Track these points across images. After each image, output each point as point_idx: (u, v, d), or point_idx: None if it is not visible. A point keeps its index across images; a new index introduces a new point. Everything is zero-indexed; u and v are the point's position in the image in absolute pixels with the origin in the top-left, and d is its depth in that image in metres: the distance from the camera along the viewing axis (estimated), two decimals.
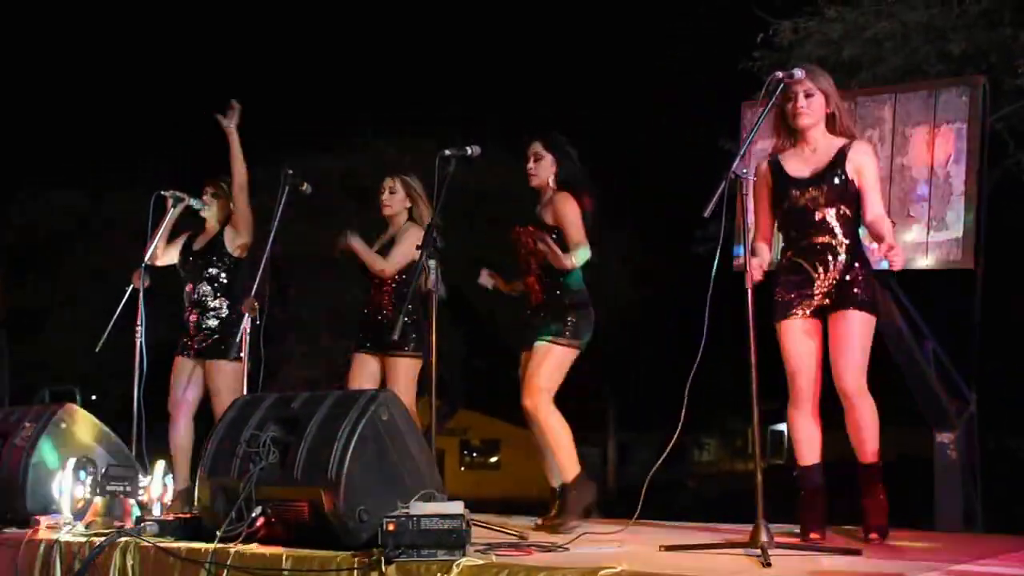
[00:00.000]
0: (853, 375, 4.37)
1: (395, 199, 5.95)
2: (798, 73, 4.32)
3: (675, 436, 4.39)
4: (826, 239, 4.45)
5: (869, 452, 4.45)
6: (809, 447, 4.55)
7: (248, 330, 5.61)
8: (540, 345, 5.08)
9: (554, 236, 5.06)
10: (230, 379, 5.95)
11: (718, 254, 4.24)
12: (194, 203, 6.24)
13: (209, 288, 6.21)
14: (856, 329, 4.38)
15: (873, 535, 4.35)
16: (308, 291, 17.10)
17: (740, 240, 5.41)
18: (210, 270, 6.23)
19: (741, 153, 4.22)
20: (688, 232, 11.24)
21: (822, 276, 4.44)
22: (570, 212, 5.12)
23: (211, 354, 6.12)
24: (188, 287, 6.29)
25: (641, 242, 22.51)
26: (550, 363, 5.06)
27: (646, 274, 22.56)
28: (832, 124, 4.55)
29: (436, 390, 4.71)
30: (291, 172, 5.67)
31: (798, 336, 4.49)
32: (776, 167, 4.60)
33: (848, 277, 4.41)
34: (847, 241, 4.44)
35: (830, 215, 4.43)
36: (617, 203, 22.96)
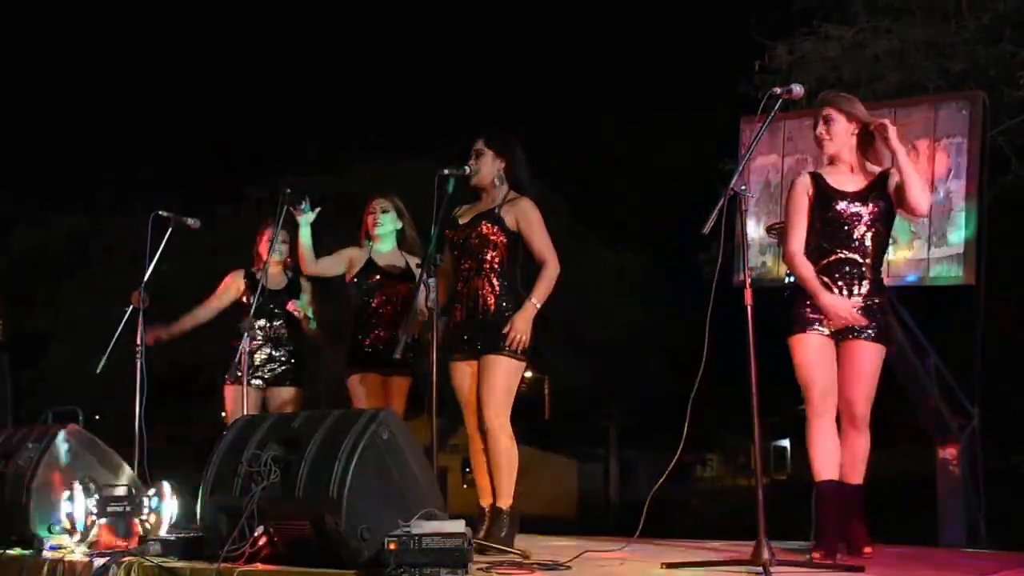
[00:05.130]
0: (865, 405, 4.43)
1: (387, 218, 5.97)
2: (796, 89, 4.29)
3: (678, 453, 4.38)
4: (855, 256, 4.48)
5: (861, 476, 4.52)
6: (824, 462, 4.45)
7: (247, 351, 5.63)
8: (495, 359, 4.85)
9: (509, 240, 4.95)
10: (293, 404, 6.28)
11: (718, 270, 4.25)
12: (191, 222, 6.27)
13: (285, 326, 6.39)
14: (871, 358, 4.44)
15: (868, 549, 4.41)
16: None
17: (740, 256, 5.40)
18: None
19: (739, 169, 4.24)
20: (688, 248, 11.26)
21: (845, 297, 4.45)
22: (538, 222, 4.98)
23: (275, 382, 6.36)
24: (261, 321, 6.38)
25: (642, 259, 22.58)
26: (510, 378, 4.88)
27: (647, 291, 22.59)
28: (866, 151, 4.56)
29: (437, 408, 4.69)
30: (289, 192, 5.71)
31: (814, 349, 4.47)
32: (818, 179, 4.60)
33: (870, 304, 4.45)
34: (873, 263, 4.48)
35: (868, 235, 4.48)
36: (618, 221, 23.08)
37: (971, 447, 6.39)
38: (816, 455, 4.47)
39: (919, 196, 4.45)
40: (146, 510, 4.90)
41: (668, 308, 21.78)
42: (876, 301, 4.48)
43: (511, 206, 5.01)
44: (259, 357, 6.32)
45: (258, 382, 6.33)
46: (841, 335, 4.47)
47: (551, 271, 4.93)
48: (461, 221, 5.11)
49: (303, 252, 5.80)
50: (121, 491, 4.92)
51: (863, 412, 4.44)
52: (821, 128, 4.58)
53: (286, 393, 6.39)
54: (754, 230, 5.93)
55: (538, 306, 4.88)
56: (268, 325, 6.34)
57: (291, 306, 6.31)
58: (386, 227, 5.97)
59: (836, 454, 4.46)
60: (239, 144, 22.86)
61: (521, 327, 4.82)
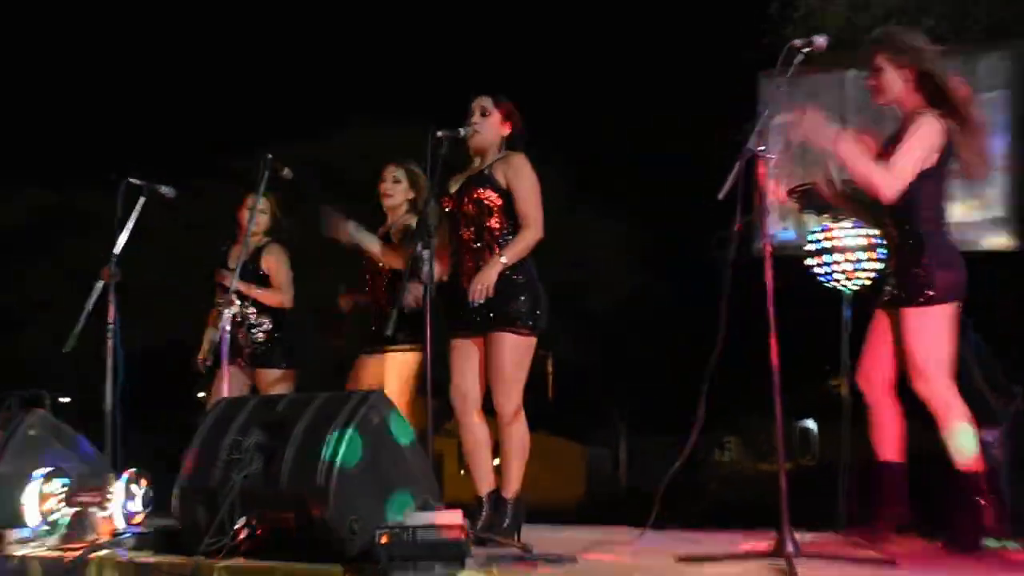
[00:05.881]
0: (921, 378, 4.13)
1: (398, 188, 5.66)
2: (819, 40, 4.00)
3: (693, 435, 4.15)
4: (884, 228, 4.34)
5: (966, 460, 4.18)
6: (880, 440, 4.34)
7: (228, 332, 5.39)
8: (500, 337, 4.64)
9: (504, 200, 4.71)
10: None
11: (735, 240, 3.97)
12: (164, 190, 5.99)
13: (252, 305, 6.07)
14: (914, 327, 4.13)
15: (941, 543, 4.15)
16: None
17: (760, 224, 5.11)
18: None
19: (758, 128, 3.95)
20: (700, 222, 11.01)
21: (887, 266, 4.33)
22: (527, 178, 4.74)
23: (257, 363, 6.10)
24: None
25: (649, 232, 22.26)
26: (518, 356, 4.66)
27: (656, 265, 22.35)
28: (925, 94, 4.19)
29: (431, 388, 4.44)
30: (270, 157, 5.48)
31: (873, 324, 4.38)
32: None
33: (914, 269, 4.15)
34: (904, 228, 4.19)
35: (878, 202, 4.19)
36: (625, 192, 22.82)
37: (1014, 428, 6.18)
38: (872, 436, 4.37)
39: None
40: (113, 501, 4.67)
41: (677, 281, 21.55)
42: (920, 264, 4.13)
43: (502, 163, 4.79)
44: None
45: (243, 363, 6.10)
46: (895, 303, 4.24)
47: (530, 235, 4.71)
48: (453, 189, 4.89)
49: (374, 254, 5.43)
50: (88, 482, 4.67)
51: (925, 389, 4.12)
52: (871, 79, 4.30)
53: (270, 375, 6.12)
54: (773, 194, 5.61)
55: (505, 263, 4.65)
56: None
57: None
58: (396, 198, 5.66)
59: (890, 434, 4.32)
60: (221, 117, 22.77)
61: (484, 279, 4.61)
